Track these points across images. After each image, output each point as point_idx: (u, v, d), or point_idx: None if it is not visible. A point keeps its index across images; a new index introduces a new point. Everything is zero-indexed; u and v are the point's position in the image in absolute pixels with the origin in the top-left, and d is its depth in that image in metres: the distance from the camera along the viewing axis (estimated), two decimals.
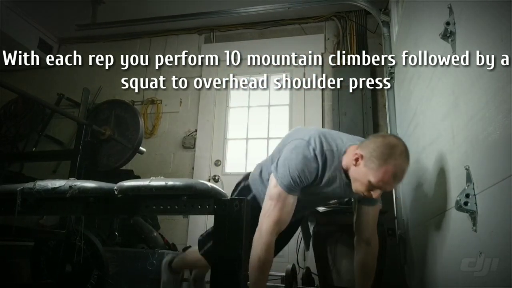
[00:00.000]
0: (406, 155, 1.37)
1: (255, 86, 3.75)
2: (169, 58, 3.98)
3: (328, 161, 1.48)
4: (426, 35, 1.67)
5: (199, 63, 3.89)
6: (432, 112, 1.62)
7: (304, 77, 3.59)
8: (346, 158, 1.47)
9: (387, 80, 2.83)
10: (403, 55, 2.37)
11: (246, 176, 1.84)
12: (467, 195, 1.09)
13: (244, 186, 1.80)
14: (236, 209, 1.02)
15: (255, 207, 1.51)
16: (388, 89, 2.86)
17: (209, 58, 3.88)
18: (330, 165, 1.48)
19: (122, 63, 4.26)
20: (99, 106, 3.25)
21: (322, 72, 3.55)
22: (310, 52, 3.64)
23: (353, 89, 3.34)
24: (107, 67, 4.16)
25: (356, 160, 1.41)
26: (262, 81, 3.73)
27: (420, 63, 1.82)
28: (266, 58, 3.92)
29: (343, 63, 3.47)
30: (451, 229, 1.35)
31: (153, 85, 3.61)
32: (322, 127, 3.40)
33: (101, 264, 1.99)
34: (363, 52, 3.48)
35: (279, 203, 1.46)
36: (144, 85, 4.04)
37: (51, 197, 1.17)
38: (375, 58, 3.42)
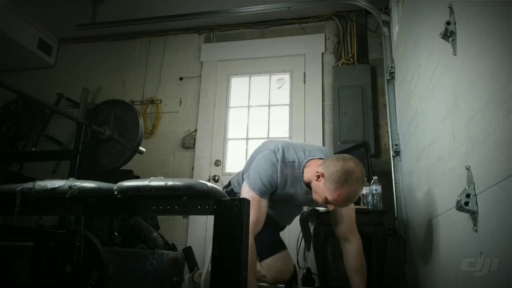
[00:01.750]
0: (361, 181, 1.55)
1: (255, 86, 3.76)
2: (168, 58, 3.99)
3: (288, 170, 1.69)
4: (427, 35, 1.66)
5: (199, 63, 3.91)
6: (432, 112, 1.62)
7: (304, 76, 3.59)
8: (307, 171, 1.67)
9: (387, 80, 2.83)
10: (404, 55, 2.37)
11: (226, 185, 2.06)
12: (468, 195, 1.09)
13: (227, 191, 1.99)
14: (236, 209, 1.01)
15: None
16: (388, 89, 2.86)
17: (209, 57, 3.90)
18: (290, 174, 1.69)
19: (121, 63, 4.30)
20: (99, 106, 3.25)
21: (323, 72, 3.56)
22: (310, 51, 3.64)
23: (353, 89, 3.36)
24: (106, 67, 4.19)
25: (318, 176, 1.60)
26: (262, 80, 3.75)
27: (420, 62, 1.82)
28: (266, 57, 3.96)
29: (344, 63, 3.49)
30: (452, 229, 1.35)
31: (153, 84, 3.62)
32: (322, 127, 3.40)
33: (100, 264, 1.99)
34: (363, 51, 3.48)
35: (254, 207, 1.60)
36: (143, 84, 4.07)
37: (51, 197, 1.16)
38: (375, 57, 3.43)
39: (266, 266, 1.89)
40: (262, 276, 1.91)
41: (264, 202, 1.68)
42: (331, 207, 1.61)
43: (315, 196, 1.64)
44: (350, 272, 1.78)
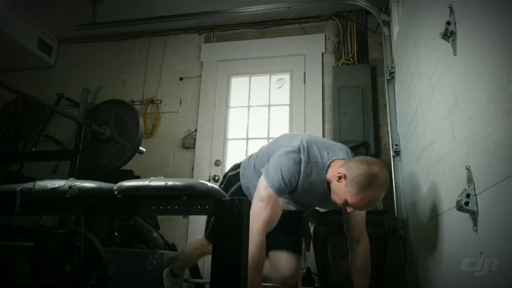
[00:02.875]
0: (385, 186, 1.50)
1: (255, 86, 3.76)
2: (168, 58, 3.99)
3: (312, 171, 1.61)
4: (427, 35, 1.66)
5: (199, 63, 3.91)
6: (432, 112, 1.62)
7: (304, 76, 3.59)
8: (330, 171, 1.60)
9: (387, 80, 2.83)
10: (404, 55, 2.37)
11: (233, 168, 1.99)
12: (468, 195, 1.09)
13: (232, 175, 1.95)
14: (236, 209, 1.01)
15: (242, 195, 1.80)
16: (388, 89, 2.86)
17: (209, 57, 3.90)
18: (314, 175, 1.61)
19: (121, 63, 4.30)
20: (99, 106, 3.25)
21: (323, 72, 3.56)
22: (310, 51, 3.64)
23: (353, 89, 3.36)
24: (106, 67, 4.19)
25: (339, 178, 1.53)
26: (262, 80, 3.75)
27: (420, 62, 1.82)
28: (266, 57, 3.95)
29: (344, 63, 3.48)
30: (452, 229, 1.35)
31: (153, 84, 3.62)
32: (322, 127, 3.40)
33: (100, 264, 1.99)
34: (363, 51, 3.48)
35: (270, 205, 1.56)
36: (143, 84, 4.07)
37: (51, 197, 1.16)
38: (375, 57, 3.43)
39: (268, 261, 1.85)
40: (267, 273, 1.86)
41: (281, 201, 1.60)
42: (349, 210, 1.55)
43: (334, 197, 1.59)
44: (356, 273, 1.77)
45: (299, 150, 1.60)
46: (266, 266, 1.84)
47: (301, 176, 1.59)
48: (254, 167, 1.81)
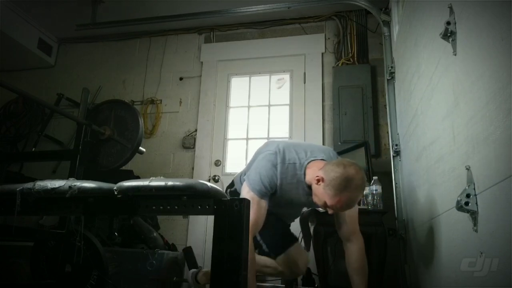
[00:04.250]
0: (361, 188, 1.55)
1: (255, 86, 3.76)
2: (168, 58, 3.99)
3: (289, 172, 1.69)
4: (427, 35, 1.66)
5: (199, 63, 3.91)
6: (432, 112, 1.62)
7: (304, 76, 3.59)
8: (309, 172, 1.67)
9: (387, 80, 2.83)
10: (404, 55, 2.37)
11: (231, 184, 2.09)
12: (468, 195, 1.09)
13: (232, 191, 2.03)
14: (236, 209, 1.01)
15: None
16: (388, 89, 2.86)
17: (209, 57, 3.90)
18: (291, 176, 1.69)
19: (121, 63, 4.30)
20: (99, 106, 3.25)
21: (323, 72, 3.55)
22: (310, 51, 3.64)
23: (353, 89, 3.36)
24: (106, 67, 4.19)
25: (318, 180, 1.60)
26: (262, 80, 3.74)
27: (420, 62, 1.82)
28: (266, 57, 3.96)
29: (344, 63, 3.48)
30: (452, 229, 1.35)
31: (153, 84, 3.62)
32: (322, 127, 3.40)
33: (100, 264, 1.99)
34: (364, 51, 3.48)
35: (254, 207, 1.58)
36: (143, 84, 4.07)
37: (51, 197, 1.16)
38: (375, 57, 3.43)
39: (282, 262, 1.90)
40: (279, 272, 1.92)
41: (264, 203, 1.67)
42: (330, 211, 1.62)
43: (315, 199, 1.65)
44: (352, 272, 1.78)
45: (275, 153, 1.70)
46: (277, 264, 1.90)
47: (278, 177, 1.67)
48: (240, 178, 1.91)
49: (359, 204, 2.37)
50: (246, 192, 1.68)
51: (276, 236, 1.93)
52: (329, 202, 1.56)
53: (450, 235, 1.38)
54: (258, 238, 1.92)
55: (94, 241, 2.04)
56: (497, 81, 0.94)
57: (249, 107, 3.71)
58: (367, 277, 1.79)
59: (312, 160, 1.69)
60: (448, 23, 1.26)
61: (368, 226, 2.29)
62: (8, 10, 3.65)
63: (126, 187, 1.11)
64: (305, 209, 2.28)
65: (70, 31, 3.82)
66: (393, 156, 2.66)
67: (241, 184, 1.86)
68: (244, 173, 1.90)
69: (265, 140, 3.51)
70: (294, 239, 2.00)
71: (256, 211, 1.62)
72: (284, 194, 1.73)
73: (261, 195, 1.66)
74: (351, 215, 1.80)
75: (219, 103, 3.74)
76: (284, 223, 2.07)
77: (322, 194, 1.58)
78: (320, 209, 2.23)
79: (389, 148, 2.88)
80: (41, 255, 2.13)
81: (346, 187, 1.51)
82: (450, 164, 1.35)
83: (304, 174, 1.69)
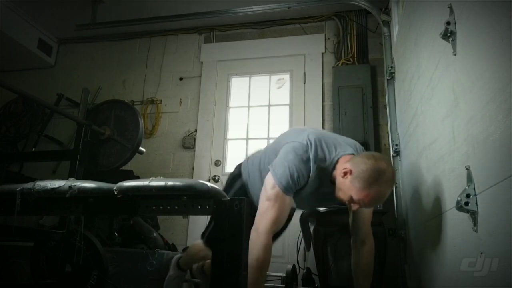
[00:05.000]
0: (391, 182, 1.47)
1: (255, 86, 3.76)
2: (168, 57, 4.00)
3: (320, 168, 1.54)
4: (427, 35, 1.66)
5: (199, 63, 3.91)
6: (432, 112, 1.61)
7: (304, 76, 3.59)
8: (337, 168, 1.54)
9: (387, 80, 2.83)
10: (404, 55, 2.37)
11: (238, 166, 1.94)
12: (468, 195, 1.09)
13: (235, 174, 1.90)
14: (236, 209, 1.01)
15: (243, 194, 1.71)
16: (388, 89, 2.86)
17: (209, 57, 3.90)
18: (321, 172, 1.55)
19: (121, 63, 4.30)
20: (99, 106, 3.25)
21: (323, 72, 3.56)
22: (310, 51, 3.64)
23: (353, 89, 3.36)
24: (106, 67, 4.19)
25: (345, 173, 1.48)
26: (262, 80, 3.74)
27: (420, 62, 1.82)
28: (266, 57, 3.95)
29: (344, 63, 3.49)
30: (452, 229, 1.35)
31: (153, 84, 3.62)
32: (322, 127, 3.40)
33: (100, 265, 1.99)
34: (363, 51, 3.48)
35: (277, 204, 1.49)
36: (143, 84, 4.07)
37: (51, 197, 1.16)
38: (375, 57, 3.43)
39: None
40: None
41: (288, 200, 1.52)
42: (355, 207, 1.49)
43: (339, 193, 1.53)
44: (358, 275, 1.73)
45: (306, 146, 1.53)
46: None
47: (310, 174, 1.53)
48: (260, 163, 1.75)
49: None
50: (271, 186, 1.51)
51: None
52: (356, 196, 1.45)
53: (450, 235, 1.38)
54: None
55: (94, 241, 2.04)
56: (497, 81, 0.94)
57: (249, 107, 3.71)
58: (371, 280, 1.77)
59: (342, 156, 1.56)
60: (448, 23, 1.26)
61: None
62: (8, 10, 3.65)
63: (126, 187, 1.11)
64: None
65: (70, 31, 3.83)
66: (393, 156, 2.66)
67: (259, 172, 1.72)
68: (263, 158, 1.74)
69: (265, 140, 3.52)
70: None
71: (279, 208, 1.48)
72: (310, 191, 1.60)
73: (287, 191, 1.50)
74: (369, 216, 1.73)
75: (219, 103, 3.74)
76: None
77: (348, 188, 1.46)
78: (321, 208, 2.23)
79: (389, 148, 2.88)
80: (41, 255, 2.13)
81: (377, 180, 1.41)
82: (450, 164, 1.35)
83: (332, 169, 1.55)
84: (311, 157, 1.52)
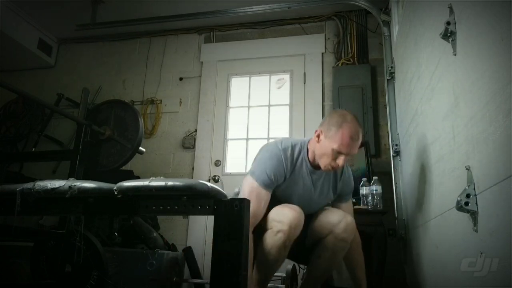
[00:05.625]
0: (356, 120, 1.62)
1: (255, 86, 3.76)
2: (168, 58, 4.00)
3: (294, 154, 1.67)
4: (427, 35, 1.67)
5: (199, 63, 3.91)
6: (432, 112, 1.62)
7: (304, 76, 3.59)
8: (309, 144, 1.70)
9: (387, 80, 2.83)
10: (404, 55, 2.37)
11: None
12: (468, 195, 1.09)
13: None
14: (236, 209, 1.01)
15: None
16: (388, 89, 2.86)
17: (209, 57, 3.90)
18: (296, 158, 1.67)
19: (121, 63, 4.30)
20: (99, 106, 3.25)
21: (323, 72, 3.55)
22: (310, 51, 3.64)
23: (353, 89, 3.36)
24: (106, 67, 4.19)
25: (318, 136, 1.64)
26: (262, 80, 3.75)
27: (420, 62, 1.82)
28: (266, 58, 3.95)
29: (344, 63, 3.48)
30: (452, 229, 1.35)
31: (153, 84, 3.61)
32: None
33: (100, 265, 1.99)
34: (364, 51, 3.48)
35: (254, 197, 1.56)
36: (143, 84, 4.07)
37: (51, 197, 1.16)
38: (375, 57, 3.43)
39: (276, 214, 1.59)
40: (278, 231, 1.53)
41: (265, 194, 1.59)
42: (341, 159, 1.58)
43: (323, 160, 1.62)
44: (351, 266, 1.77)
45: (275, 143, 1.70)
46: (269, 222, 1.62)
47: (284, 163, 1.63)
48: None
49: (358, 204, 2.37)
50: (249, 183, 1.60)
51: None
52: (335, 144, 1.57)
53: (450, 235, 1.38)
54: None
55: (94, 241, 2.04)
56: (497, 81, 0.94)
57: (249, 107, 3.71)
58: (365, 271, 1.77)
59: (309, 139, 1.73)
60: (448, 23, 1.26)
61: (368, 226, 2.29)
62: (8, 10, 3.65)
63: (126, 187, 1.11)
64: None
65: (70, 31, 3.83)
66: (393, 156, 2.66)
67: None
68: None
69: (265, 140, 3.52)
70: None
71: (255, 201, 1.53)
72: (291, 185, 1.66)
73: (265, 185, 1.59)
74: (348, 209, 1.81)
75: (219, 103, 3.74)
76: None
77: (326, 144, 1.59)
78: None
79: (389, 148, 2.88)
80: (41, 255, 2.13)
81: (344, 120, 1.59)
82: (450, 164, 1.35)
83: (307, 152, 1.68)
84: (281, 148, 1.65)
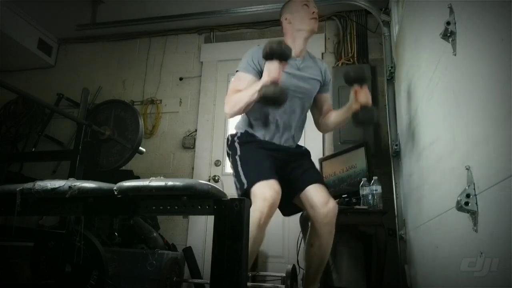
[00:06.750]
0: None
1: None
2: (168, 58, 4.00)
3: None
4: (427, 35, 1.67)
5: (199, 63, 3.91)
6: (432, 112, 1.62)
7: None
8: (286, 36, 2.14)
9: (387, 80, 2.83)
10: (404, 55, 2.37)
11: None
12: (468, 195, 1.09)
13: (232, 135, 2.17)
14: (236, 209, 1.01)
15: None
16: (388, 89, 2.86)
17: (209, 57, 3.90)
18: None
19: (121, 63, 4.30)
20: (99, 106, 3.25)
21: None
22: (310, 51, 3.63)
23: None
24: (106, 67, 4.19)
25: (286, 20, 2.09)
26: None
27: (420, 62, 1.82)
28: None
29: (344, 63, 3.48)
30: (452, 229, 1.35)
31: (153, 84, 3.60)
32: None
33: (100, 265, 1.99)
34: (363, 51, 3.48)
35: (237, 80, 1.84)
36: (143, 84, 4.07)
37: (51, 197, 1.16)
38: (375, 57, 3.43)
39: (258, 191, 1.64)
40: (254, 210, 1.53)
41: (248, 77, 1.79)
42: (313, 11, 2.00)
43: (305, 23, 1.99)
44: (332, 119, 2.04)
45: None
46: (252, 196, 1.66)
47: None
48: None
49: (358, 204, 2.37)
50: (234, 77, 1.88)
51: (258, 164, 1.78)
52: (299, 4, 1.98)
53: (450, 235, 1.38)
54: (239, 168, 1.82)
55: (94, 241, 2.04)
56: (497, 81, 0.94)
57: None
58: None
59: None
60: (448, 23, 1.26)
61: (368, 226, 2.29)
62: (8, 10, 3.65)
63: (126, 187, 1.11)
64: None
65: (70, 31, 3.83)
66: (393, 156, 2.66)
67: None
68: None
69: None
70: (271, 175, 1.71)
71: (238, 82, 1.80)
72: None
73: (246, 69, 1.81)
74: (330, 98, 2.13)
75: (219, 103, 3.73)
76: (272, 161, 1.85)
77: (295, 14, 2.01)
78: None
79: (389, 148, 2.88)
80: (41, 255, 2.13)
81: None
82: (450, 164, 1.35)
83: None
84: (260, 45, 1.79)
